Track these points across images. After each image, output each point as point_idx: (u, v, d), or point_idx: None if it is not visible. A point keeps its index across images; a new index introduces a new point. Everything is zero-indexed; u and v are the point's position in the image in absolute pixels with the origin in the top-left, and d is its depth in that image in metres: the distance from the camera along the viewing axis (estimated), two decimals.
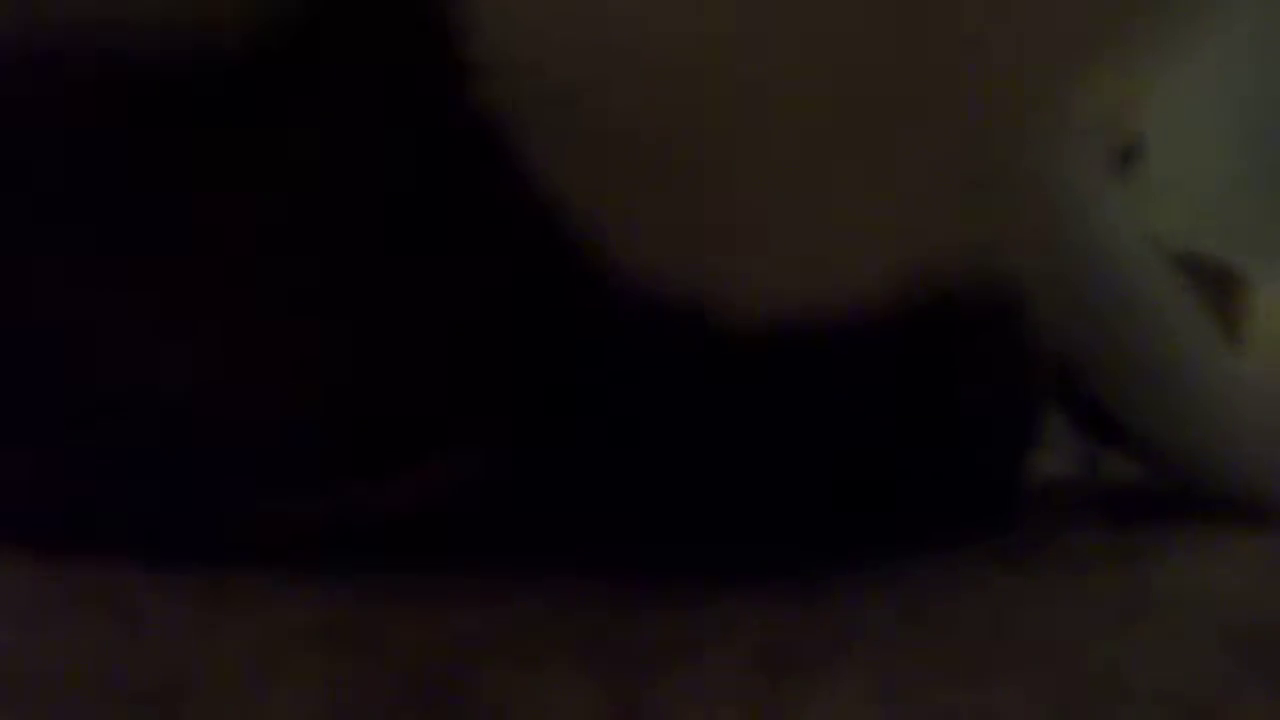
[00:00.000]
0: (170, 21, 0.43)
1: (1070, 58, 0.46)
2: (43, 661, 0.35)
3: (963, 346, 0.49)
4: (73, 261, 0.46)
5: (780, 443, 0.47)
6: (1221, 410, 0.54)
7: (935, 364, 0.49)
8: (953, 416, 0.49)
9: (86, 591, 0.42)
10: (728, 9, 0.43)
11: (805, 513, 0.48)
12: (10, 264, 0.46)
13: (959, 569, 0.44)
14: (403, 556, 0.46)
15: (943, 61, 0.44)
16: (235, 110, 0.44)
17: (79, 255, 0.46)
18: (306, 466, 0.47)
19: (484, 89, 0.43)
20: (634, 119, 0.43)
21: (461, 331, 0.45)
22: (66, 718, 0.32)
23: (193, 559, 0.45)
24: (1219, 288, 0.69)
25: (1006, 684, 0.32)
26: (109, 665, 0.34)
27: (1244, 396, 0.54)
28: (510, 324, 0.45)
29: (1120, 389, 0.54)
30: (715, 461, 0.46)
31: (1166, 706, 0.31)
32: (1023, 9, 0.44)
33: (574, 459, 0.46)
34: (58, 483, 0.49)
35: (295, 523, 0.46)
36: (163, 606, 0.40)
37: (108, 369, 0.46)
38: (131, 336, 0.45)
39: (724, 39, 0.43)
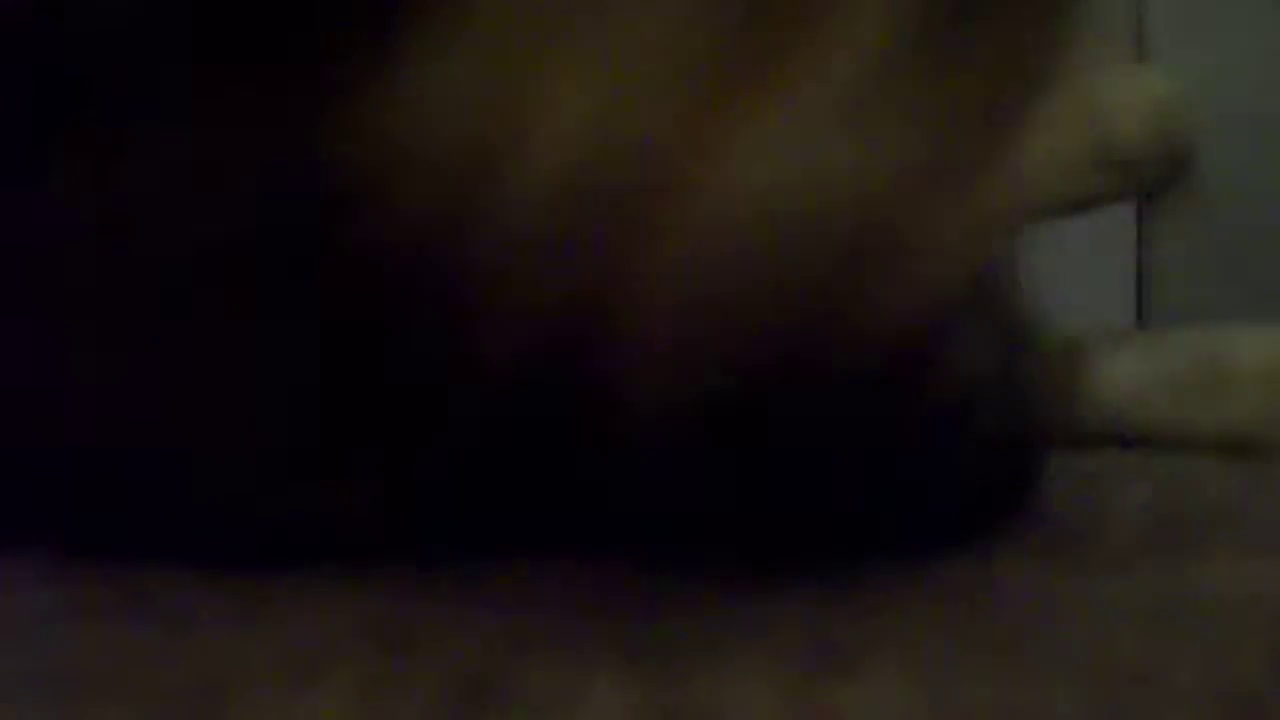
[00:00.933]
0: None
1: None
2: (83, 662, 0.35)
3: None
4: None
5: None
6: None
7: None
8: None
9: (127, 593, 0.42)
10: None
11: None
12: None
13: (997, 564, 0.44)
14: (437, 555, 0.46)
15: None
16: None
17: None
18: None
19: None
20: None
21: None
22: (102, 719, 0.32)
23: None
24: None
25: (1047, 679, 0.32)
26: (149, 666, 0.34)
27: None
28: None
29: None
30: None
31: (1210, 705, 0.31)
32: None
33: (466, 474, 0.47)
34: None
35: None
36: (203, 608, 0.40)
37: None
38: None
39: None
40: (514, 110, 0.41)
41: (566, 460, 0.47)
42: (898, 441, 0.48)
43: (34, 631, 0.38)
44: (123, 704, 0.32)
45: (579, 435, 0.47)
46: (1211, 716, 0.30)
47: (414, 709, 0.31)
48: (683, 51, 0.40)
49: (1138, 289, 1.44)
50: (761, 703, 0.31)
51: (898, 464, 0.48)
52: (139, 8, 0.41)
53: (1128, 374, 0.72)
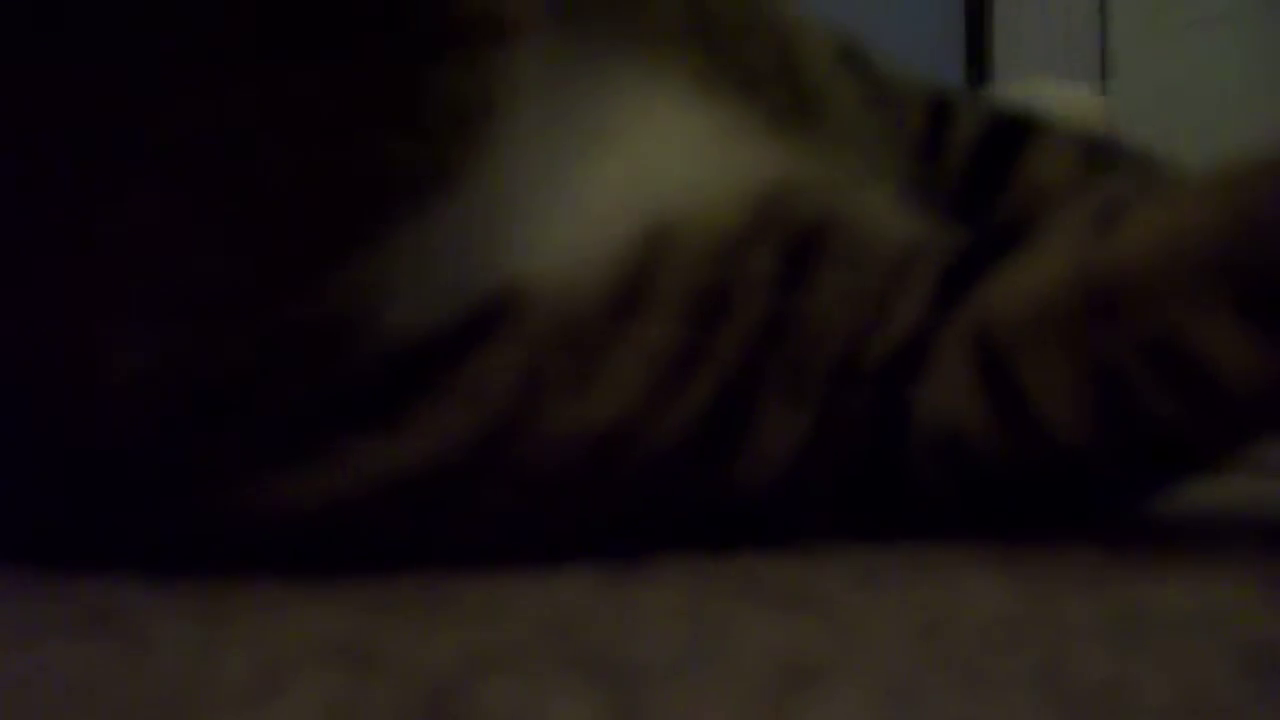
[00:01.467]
0: None
1: None
2: (44, 680, 0.35)
3: None
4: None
5: None
6: None
7: None
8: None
9: (86, 611, 0.42)
10: None
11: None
12: None
13: (964, 580, 0.44)
14: (399, 571, 0.46)
15: None
16: None
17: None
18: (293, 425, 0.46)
19: None
20: None
21: None
22: None
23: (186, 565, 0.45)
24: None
25: (1013, 694, 0.32)
26: (110, 683, 0.34)
27: None
28: None
29: None
30: None
31: (1178, 718, 0.31)
32: None
33: None
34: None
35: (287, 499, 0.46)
36: (163, 624, 0.40)
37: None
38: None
39: None
40: None
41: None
42: None
43: None
44: (85, 718, 0.32)
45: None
46: None
47: None
48: None
49: None
50: (724, 717, 0.31)
51: None
52: None
53: None
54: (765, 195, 0.52)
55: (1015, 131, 0.75)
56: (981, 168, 0.73)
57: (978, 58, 2.24)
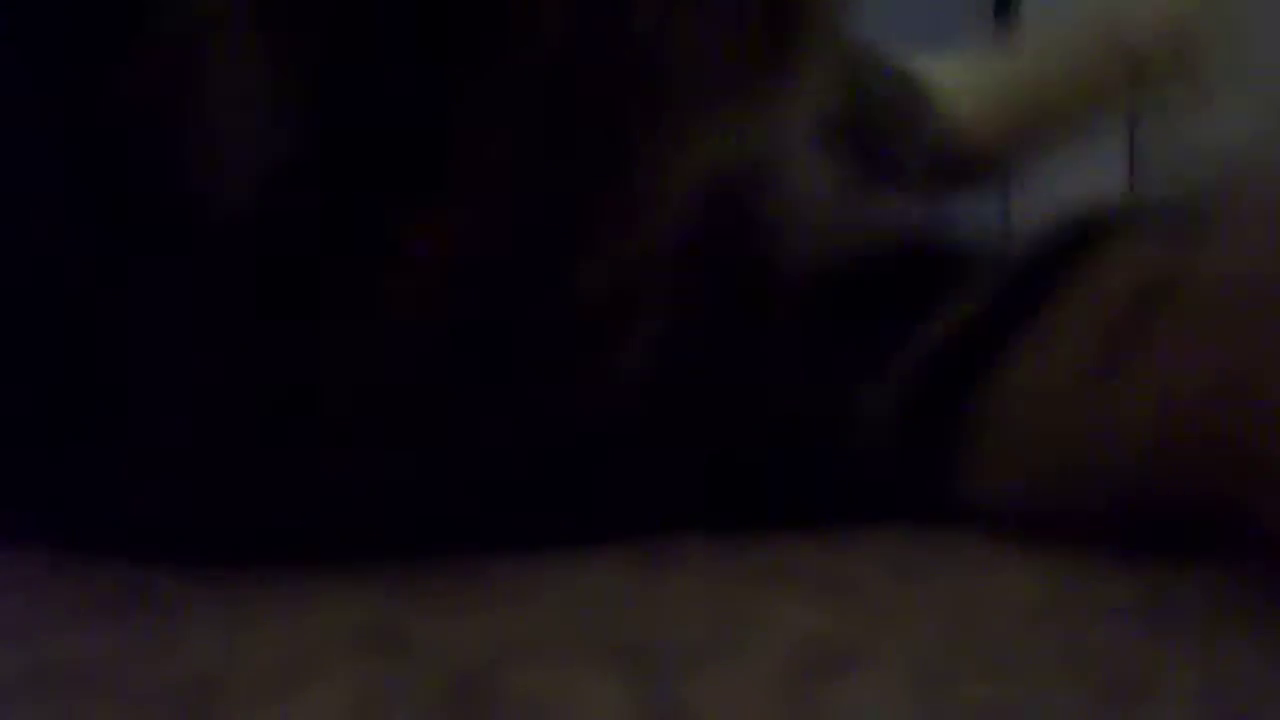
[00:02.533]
0: None
1: None
2: (75, 662, 0.35)
3: None
4: None
5: None
6: None
7: None
8: None
9: (116, 595, 0.42)
10: None
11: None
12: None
13: (993, 566, 0.44)
14: (428, 556, 0.46)
15: None
16: None
17: None
18: None
19: None
20: None
21: None
22: (98, 716, 0.32)
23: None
24: None
25: (1040, 680, 0.32)
26: (142, 666, 0.34)
27: None
28: None
29: None
30: None
31: (1200, 708, 0.31)
32: None
33: None
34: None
35: None
36: (195, 605, 0.40)
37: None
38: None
39: None
40: None
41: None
42: None
43: (27, 632, 0.38)
44: (114, 703, 0.32)
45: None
46: (1209, 715, 0.30)
47: (406, 711, 0.31)
48: None
49: None
50: (753, 704, 0.31)
51: None
52: None
53: None
54: None
55: None
56: None
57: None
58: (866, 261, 0.51)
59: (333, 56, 0.42)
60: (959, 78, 0.87)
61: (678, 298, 0.47)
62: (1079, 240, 0.48)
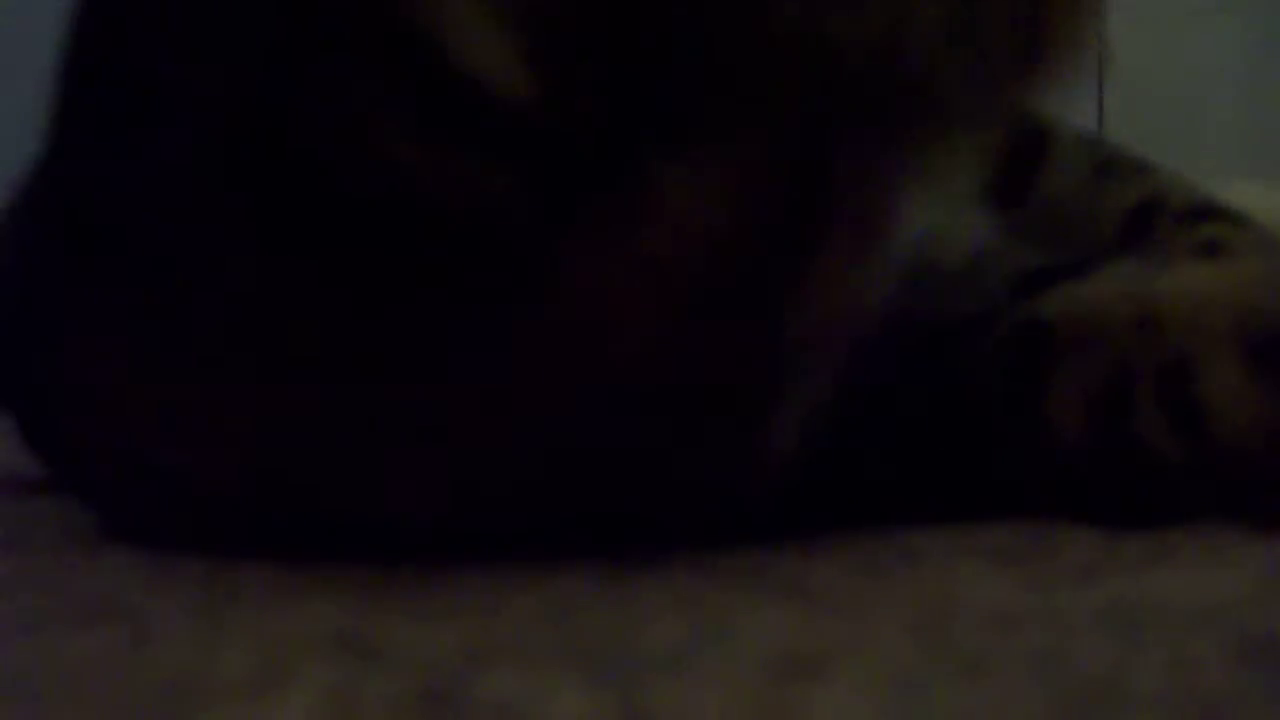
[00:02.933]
0: None
1: None
2: (43, 672, 0.35)
3: None
4: None
5: None
6: None
7: None
8: None
9: (85, 602, 0.42)
10: None
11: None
12: None
13: (962, 571, 0.44)
14: (404, 559, 0.46)
15: None
16: None
17: None
18: None
19: None
20: None
21: None
22: None
23: None
24: None
25: (1009, 684, 0.32)
26: (112, 674, 0.34)
27: None
28: None
29: None
30: None
31: (1171, 711, 0.31)
32: None
33: None
34: None
35: None
36: (165, 614, 0.40)
37: None
38: None
39: None
40: None
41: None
42: None
43: None
44: (85, 709, 0.32)
45: None
46: (1178, 719, 0.31)
47: (377, 716, 0.31)
48: None
49: None
50: (724, 710, 0.31)
51: None
52: None
53: None
54: None
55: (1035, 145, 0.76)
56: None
57: None
58: None
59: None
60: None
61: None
62: None
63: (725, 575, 0.44)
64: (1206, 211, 0.68)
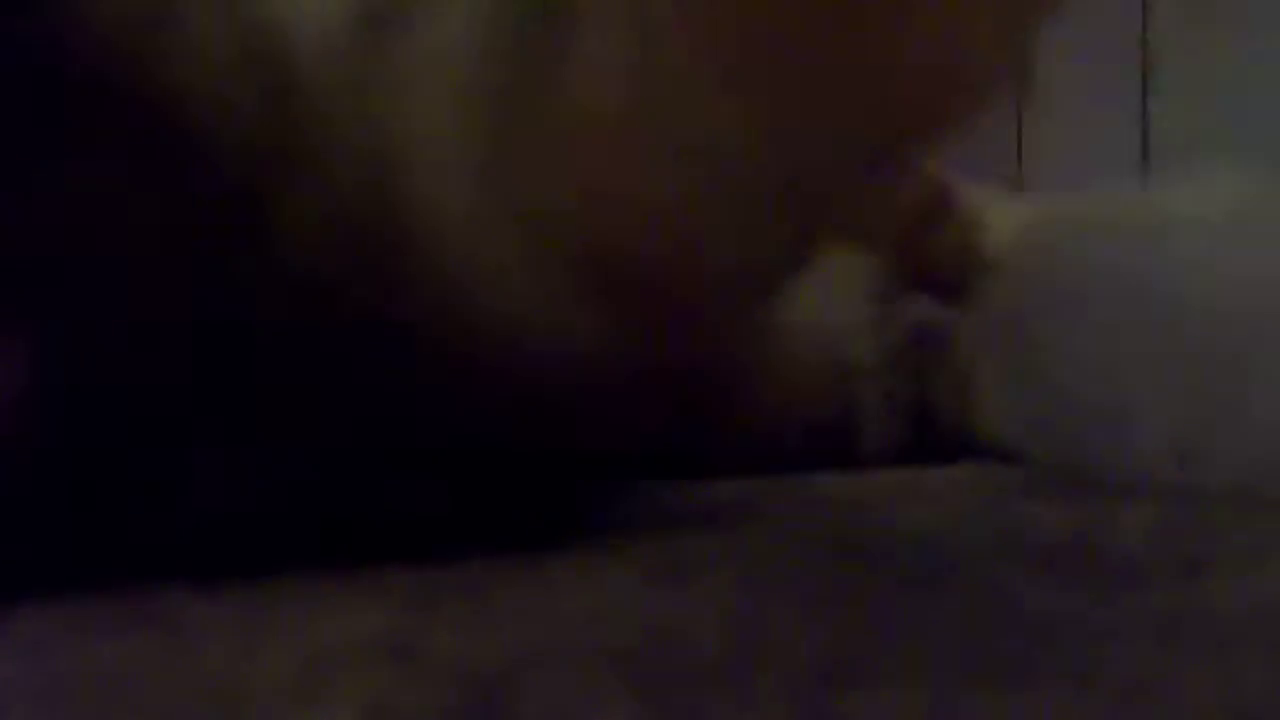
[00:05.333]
0: None
1: None
2: (87, 676, 0.35)
3: None
4: None
5: None
6: None
7: None
8: None
9: (130, 609, 0.42)
10: None
11: None
12: None
13: (1003, 578, 0.44)
14: (444, 566, 0.46)
15: None
16: None
17: None
18: None
19: None
20: None
21: None
22: None
23: None
24: None
25: (1053, 691, 0.32)
26: (155, 680, 0.34)
27: None
28: None
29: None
30: None
31: (1214, 718, 0.31)
32: None
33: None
34: None
35: None
36: (205, 622, 0.40)
37: None
38: None
39: None
40: None
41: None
42: None
43: (40, 645, 0.38)
44: (128, 716, 0.32)
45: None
46: None
47: None
48: None
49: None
50: (766, 717, 0.31)
51: None
52: None
53: None
54: None
55: None
56: None
57: None
58: None
59: None
60: None
61: None
62: None
63: (766, 583, 0.44)
64: None
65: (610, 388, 0.49)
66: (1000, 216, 0.74)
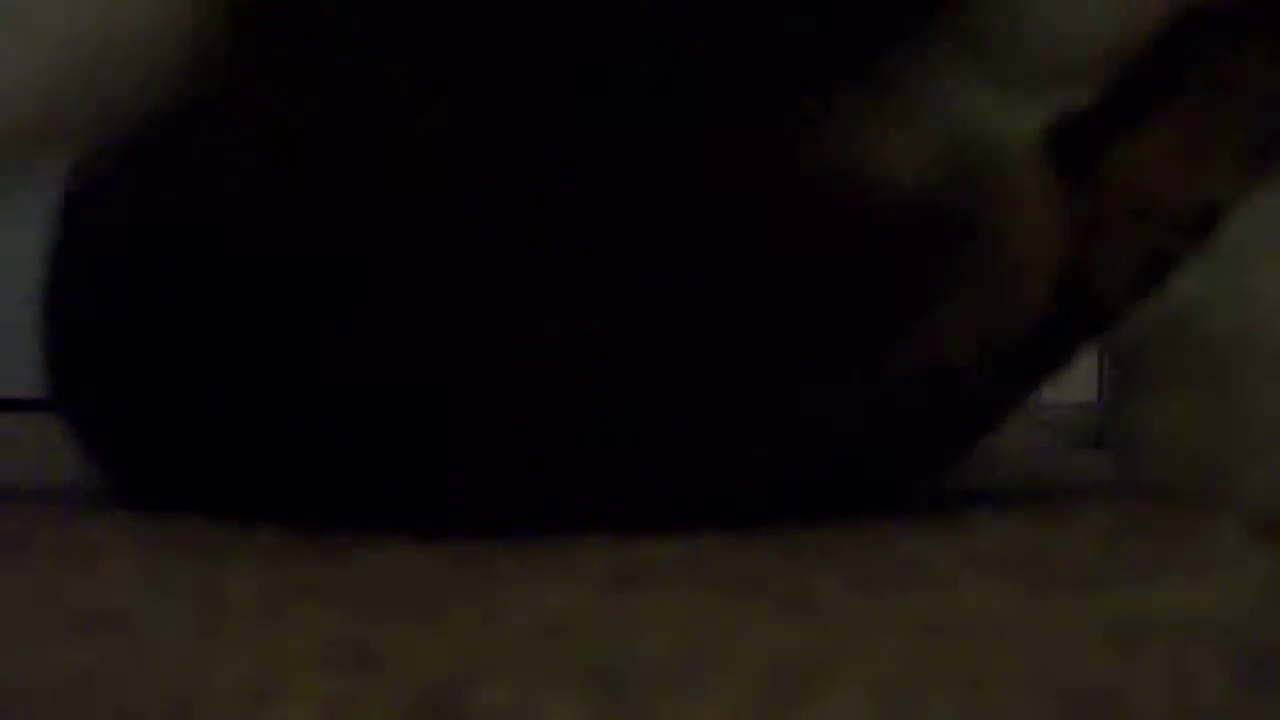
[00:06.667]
0: None
1: None
2: (42, 685, 0.35)
3: None
4: None
5: None
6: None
7: None
8: None
9: (85, 612, 0.42)
10: None
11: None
12: None
13: (960, 581, 0.44)
14: (403, 571, 0.46)
15: None
16: None
17: None
18: None
19: None
20: None
21: None
22: None
23: None
24: None
25: (1007, 696, 0.32)
26: (108, 687, 0.34)
27: None
28: None
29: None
30: None
31: None
32: None
33: None
34: None
35: None
36: (162, 625, 0.40)
37: None
38: None
39: None
40: None
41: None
42: None
43: None
44: None
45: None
46: None
47: None
48: None
49: None
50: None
51: None
52: None
53: None
54: None
55: None
56: None
57: None
58: None
59: None
60: None
61: None
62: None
63: (722, 586, 0.44)
64: None
65: None
66: None
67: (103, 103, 0.54)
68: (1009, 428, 0.60)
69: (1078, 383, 1.02)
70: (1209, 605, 0.41)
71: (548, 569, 0.46)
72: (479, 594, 0.44)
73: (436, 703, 0.32)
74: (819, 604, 0.42)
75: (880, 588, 0.44)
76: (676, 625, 0.39)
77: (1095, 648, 0.36)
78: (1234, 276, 0.61)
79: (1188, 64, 0.57)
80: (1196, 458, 0.61)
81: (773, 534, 0.53)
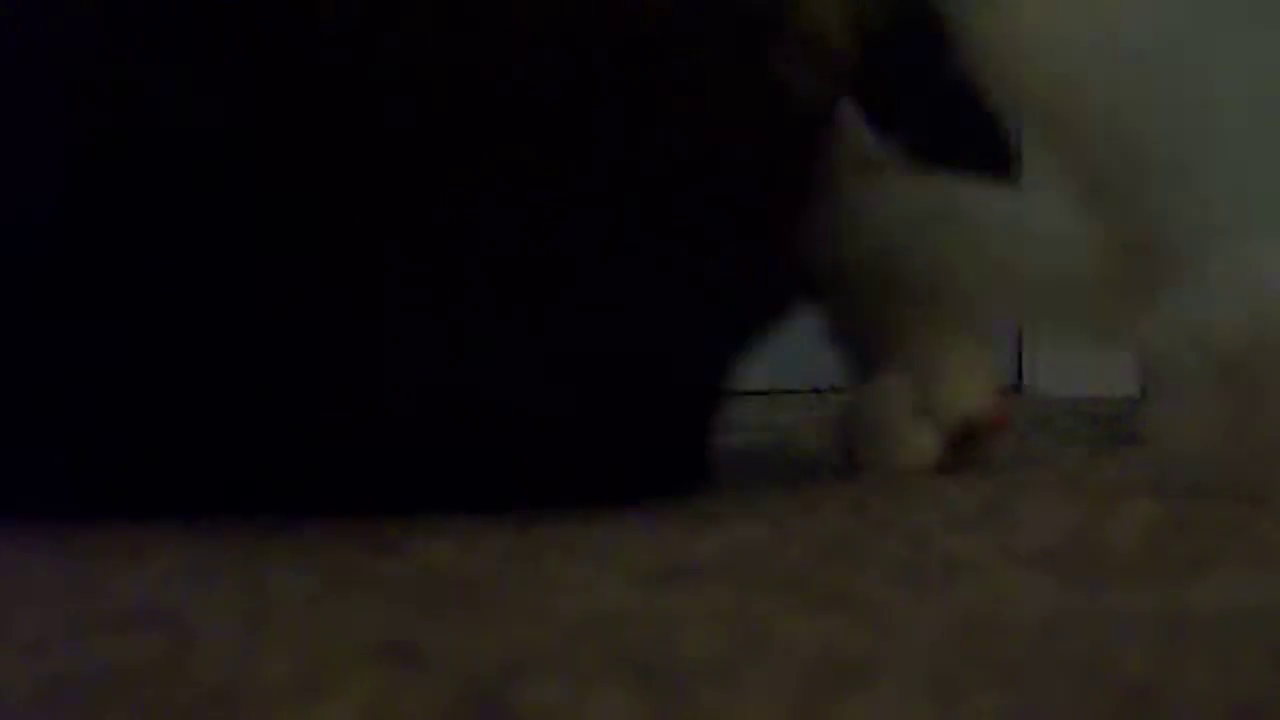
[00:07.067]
0: None
1: None
2: (88, 678, 0.35)
3: None
4: None
5: None
6: None
7: None
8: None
9: (130, 608, 0.42)
10: None
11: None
12: None
13: (1003, 577, 0.44)
14: (449, 567, 0.46)
15: None
16: None
17: None
18: None
19: None
20: None
21: None
22: None
23: None
24: None
25: (1050, 689, 0.32)
26: (154, 681, 0.34)
27: None
28: None
29: None
30: None
31: (1212, 716, 0.31)
32: None
33: None
34: None
35: None
36: (208, 621, 0.40)
37: None
38: None
39: None
40: None
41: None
42: None
43: (41, 645, 0.38)
44: (129, 718, 0.32)
45: None
46: None
47: None
48: None
49: None
50: (769, 714, 0.31)
51: None
52: None
53: None
54: None
55: None
56: None
57: None
58: None
59: None
60: None
61: None
62: None
63: (765, 584, 0.44)
64: None
65: None
66: None
67: None
68: (1052, 422, 0.59)
69: (1120, 377, 1.01)
70: (1252, 600, 0.41)
71: (593, 565, 0.46)
72: (525, 590, 0.44)
73: (483, 698, 0.32)
74: (860, 600, 0.42)
75: (921, 583, 0.44)
76: (720, 621, 0.40)
77: (1139, 642, 0.36)
78: (1251, 282, 0.61)
79: None
80: (1224, 459, 0.61)
81: (812, 531, 0.53)
